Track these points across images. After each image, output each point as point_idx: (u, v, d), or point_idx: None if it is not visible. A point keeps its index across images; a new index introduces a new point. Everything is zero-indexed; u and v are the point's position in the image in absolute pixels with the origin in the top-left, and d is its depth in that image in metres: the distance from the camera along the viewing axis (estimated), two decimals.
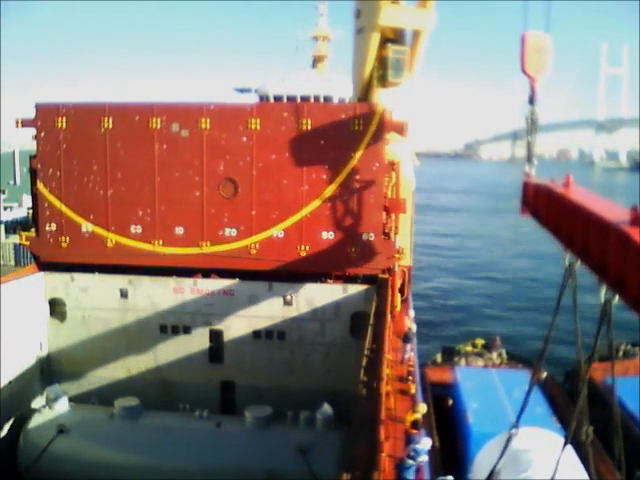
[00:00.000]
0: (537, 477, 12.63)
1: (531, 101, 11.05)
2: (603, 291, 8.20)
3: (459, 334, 39.70)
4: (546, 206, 9.77)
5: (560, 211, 8.95)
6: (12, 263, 28.41)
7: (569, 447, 12.34)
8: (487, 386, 21.95)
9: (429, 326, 44.30)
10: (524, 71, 11.00)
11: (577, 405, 10.09)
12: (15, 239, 28.85)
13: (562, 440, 10.81)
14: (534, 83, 11.02)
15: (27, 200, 49.42)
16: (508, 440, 11.89)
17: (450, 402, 23.22)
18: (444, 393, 23.94)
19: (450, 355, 29.56)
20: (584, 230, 7.82)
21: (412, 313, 21.25)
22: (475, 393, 21.22)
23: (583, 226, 7.86)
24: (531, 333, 40.08)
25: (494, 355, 28.97)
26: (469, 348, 30.25)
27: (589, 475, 13.45)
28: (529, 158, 10.94)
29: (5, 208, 49.81)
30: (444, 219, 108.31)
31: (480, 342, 30.95)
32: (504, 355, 29.24)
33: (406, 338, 19.33)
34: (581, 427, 10.73)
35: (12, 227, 39.74)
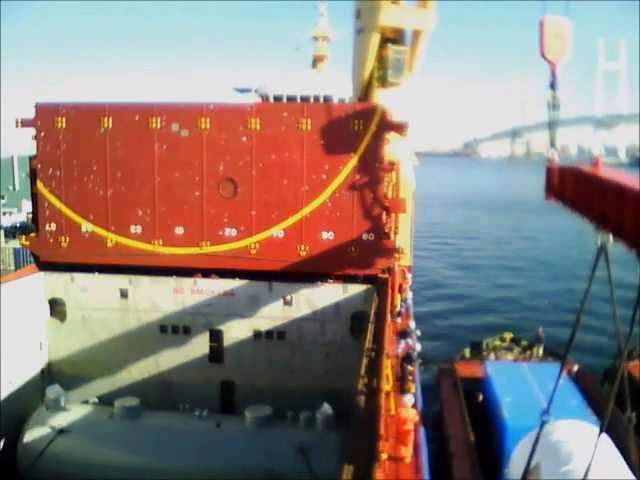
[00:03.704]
0: (579, 469, 12.46)
1: (552, 86, 10.92)
2: None
3: (484, 328, 39.55)
4: (574, 187, 9.73)
5: (590, 190, 8.90)
6: (12, 267, 28.46)
7: (607, 437, 12.20)
8: (519, 380, 21.76)
9: (454, 322, 44.43)
10: (543, 56, 10.90)
11: (614, 385, 9.88)
12: (15, 244, 28.91)
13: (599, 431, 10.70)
14: (554, 68, 10.91)
15: (26, 205, 49.62)
16: (541, 427, 11.78)
17: (480, 397, 23.18)
18: (475, 388, 23.89)
19: (478, 350, 29.47)
20: (618, 205, 7.81)
21: (413, 324, 21.21)
22: (508, 387, 21.03)
23: (617, 201, 7.85)
24: (559, 325, 39.92)
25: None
26: (497, 342, 30.11)
27: (629, 463, 13.44)
28: (552, 143, 10.87)
29: (4, 213, 49.90)
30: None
31: (508, 335, 30.79)
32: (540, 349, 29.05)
33: (404, 334, 19.31)
34: (624, 414, 10.66)
35: (12, 232, 39.79)
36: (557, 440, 14.41)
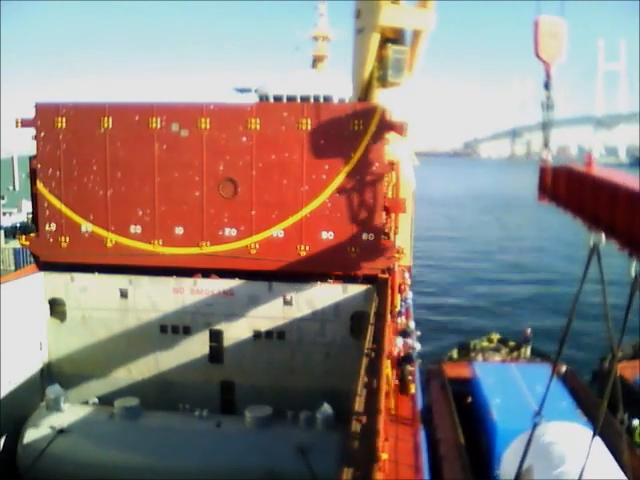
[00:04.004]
0: (572, 471, 12.42)
1: (546, 86, 10.91)
2: (634, 265, 8.24)
3: (472, 330, 39.64)
4: (567, 187, 9.72)
5: (583, 189, 8.90)
6: (12, 268, 28.45)
7: (598, 439, 12.16)
8: (508, 381, 21.75)
9: (441, 323, 44.50)
10: (538, 56, 10.88)
11: (606, 387, 9.85)
12: (15, 244, 28.90)
13: (591, 433, 10.64)
14: (549, 68, 10.89)
15: (26, 205, 49.78)
16: (533, 429, 11.76)
17: (469, 399, 23.14)
18: (463, 389, 23.86)
19: (466, 351, 29.41)
20: (611, 203, 7.79)
21: (412, 324, 21.20)
22: (497, 389, 21.00)
23: (609, 200, 7.84)
24: (547, 326, 40.04)
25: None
26: (485, 343, 30.09)
27: (620, 465, 13.41)
28: (545, 143, 10.88)
29: (4, 214, 49.92)
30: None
31: (496, 336, 30.80)
32: (527, 350, 29.04)
33: (404, 333, 19.33)
34: (614, 415, 10.62)
35: (12, 232, 39.78)
36: (549, 442, 14.36)
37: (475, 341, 30.27)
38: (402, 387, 17.97)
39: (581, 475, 10.67)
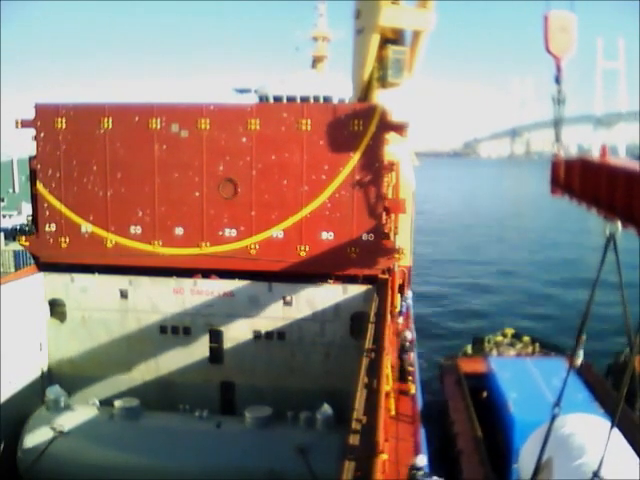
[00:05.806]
0: (592, 463, 12.41)
1: (557, 80, 10.97)
2: None
3: (486, 325, 39.65)
4: (581, 179, 9.76)
5: (598, 178, 8.91)
6: (12, 270, 28.46)
7: (617, 431, 12.12)
8: (524, 375, 21.88)
9: (454, 319, 44.52)
10: (548, 50, 10.94)
11: (625, 377, 9.83)
12: (15, 246, 28.90)
13: (609, 424, 10.64)
14: (559, 62, 10.95)
15: (26, 208, 49.74)
16: (552, 420, 11.72)
17: (485, 393, 23.14)
18: (478, 383, 23.91)
19: (480, 345, 29.47)
20: (627, 190, 7.81)
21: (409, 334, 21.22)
22: (513, 382, 21.16)
23: (626, 187, 7.86)
24: (561, 320, 39.97)
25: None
26: (500, 338, 30.14)
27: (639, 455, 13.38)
28: (557, 137, 10.92)
29: (4, 216, 49.86)
30: None
31: (510, 331, 30.86)
32: (536, 344, 29.03)
33: (402, 349, 19.19)
34: (631, 407, 10.62)
35: (12, 234, 39.71)
36: (568, 434, 14.26)
37: (489, 336, 30.31)
38: (402, 377, 18.03)
39: (600, 466, 10.64)
